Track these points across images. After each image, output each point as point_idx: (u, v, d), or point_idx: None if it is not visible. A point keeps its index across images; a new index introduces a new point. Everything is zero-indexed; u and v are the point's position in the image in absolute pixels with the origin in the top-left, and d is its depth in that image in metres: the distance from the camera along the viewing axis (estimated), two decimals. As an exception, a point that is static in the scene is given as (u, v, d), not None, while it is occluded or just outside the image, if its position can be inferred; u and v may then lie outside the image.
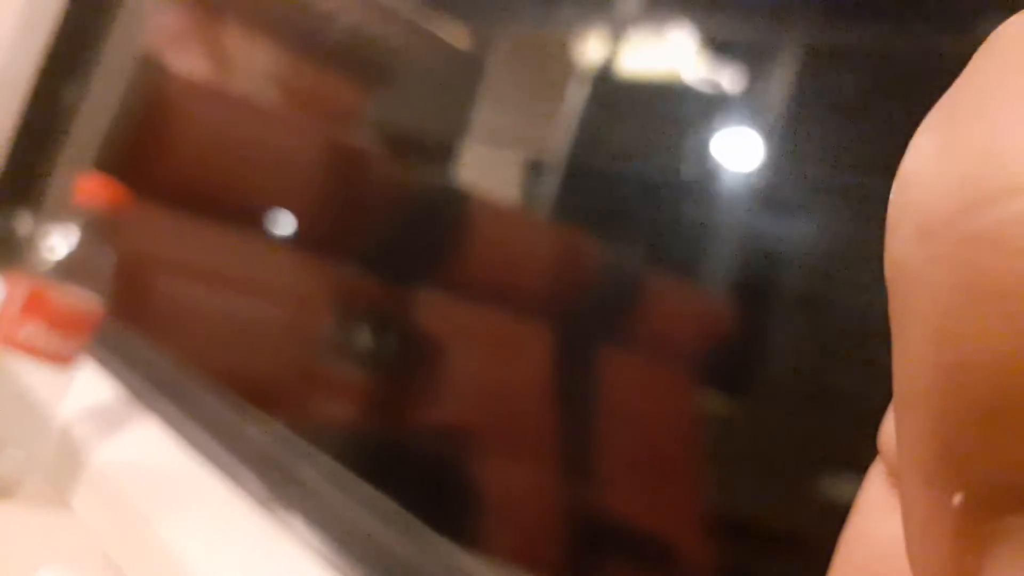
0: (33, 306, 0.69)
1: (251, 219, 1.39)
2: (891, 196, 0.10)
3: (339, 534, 0.64)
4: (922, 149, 0.10)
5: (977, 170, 0.09)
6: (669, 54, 0.97)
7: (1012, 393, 0.08)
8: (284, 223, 1.42)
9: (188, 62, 1.56)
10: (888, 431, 0.12)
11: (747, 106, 0.83)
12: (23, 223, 1.29)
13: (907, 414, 0.10)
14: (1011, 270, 0.08)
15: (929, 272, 0.09)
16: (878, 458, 0.12)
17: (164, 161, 1.36)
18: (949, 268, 0.09)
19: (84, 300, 0.71)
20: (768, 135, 0.77)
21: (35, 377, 0.71)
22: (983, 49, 0.10)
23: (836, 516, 0.14)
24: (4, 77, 1.23)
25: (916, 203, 0.09)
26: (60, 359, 0.71)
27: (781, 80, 0.76)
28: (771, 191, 0.76)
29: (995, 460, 0.09)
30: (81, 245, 0.70)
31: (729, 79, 0.84)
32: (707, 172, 0.83)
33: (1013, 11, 0.10)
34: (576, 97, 1.12)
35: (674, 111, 0.97)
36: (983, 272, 0.08)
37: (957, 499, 0.09)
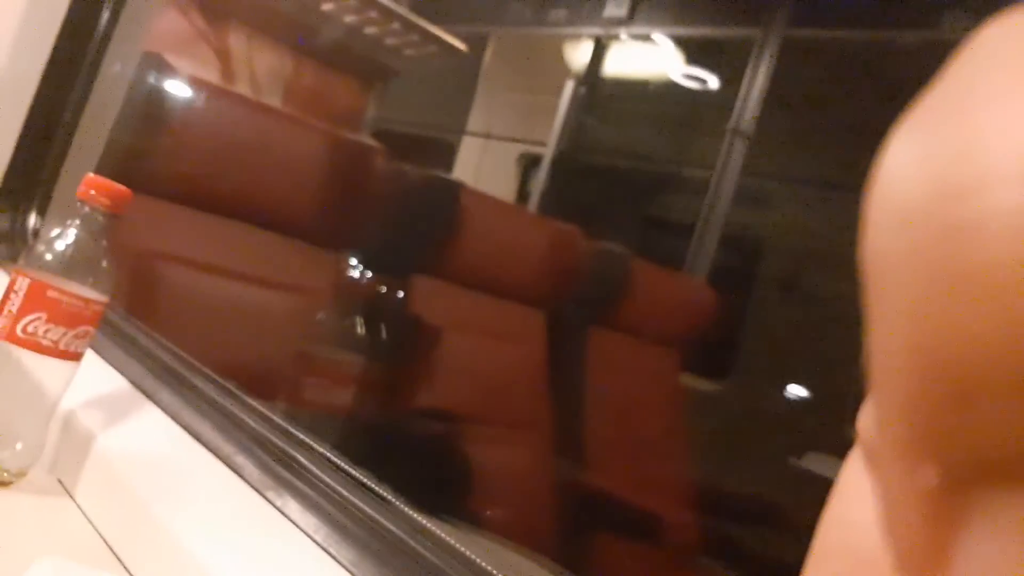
0: (35, 299, 0.70)
1: (250, 213, 1.40)
2: (870, 189, 0.10)
3: (333, 518, 0.65)
4: (902, 145, 0.10)
5: (954, 166, 0.09)
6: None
7: (982, 373, 0.09)
8: (283, 217, 1.43)
9: (190, 63, 1.58)
10: (867, 417, 0.12)
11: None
12: (28, 219, 1.30)
13: (883, 395, 0.10)
14: (984, 258, 0.09)
15: (907, 261, 0.10)
16: (857, 444, 0.13)
17: (165, 157, 1.37)
18: (926, 257, 0.09)
19: (86, 294, 0.71)
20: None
21: (38, 369, 0.71)
22: (962, 51, 0.10)
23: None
24: (11, 77, 1.24)
25: (896, 196, 0.10)
26: (63, 352, 0.71)
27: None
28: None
29: (967, 437, 0.09)
30: (84, 240, 0.71)
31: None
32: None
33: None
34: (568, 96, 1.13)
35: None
36: (958, 260, 0.09)
37: (931, 474, 0.10)
